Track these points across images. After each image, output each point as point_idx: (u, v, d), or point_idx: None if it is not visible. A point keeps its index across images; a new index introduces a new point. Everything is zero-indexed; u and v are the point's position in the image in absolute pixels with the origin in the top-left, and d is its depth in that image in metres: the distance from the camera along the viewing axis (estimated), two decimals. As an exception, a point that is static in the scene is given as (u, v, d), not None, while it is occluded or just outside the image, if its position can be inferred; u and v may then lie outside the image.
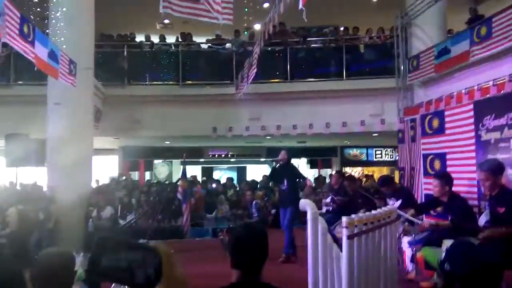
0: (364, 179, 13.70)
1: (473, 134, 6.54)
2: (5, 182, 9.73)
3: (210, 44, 10.72)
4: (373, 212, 3.19)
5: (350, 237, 2.72)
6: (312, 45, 10.55)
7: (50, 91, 7.81)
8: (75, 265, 1.80)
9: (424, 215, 5.42)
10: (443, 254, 1.44)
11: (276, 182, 7.12)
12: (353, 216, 2.86)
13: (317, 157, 16.19)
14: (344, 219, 2.78)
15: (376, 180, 8.87)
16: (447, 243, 3.53)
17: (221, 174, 16.98)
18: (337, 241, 3.64)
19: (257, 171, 16.24)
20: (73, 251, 2.18)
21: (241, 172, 17.15)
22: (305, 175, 9.89)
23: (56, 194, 7.64)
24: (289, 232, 5.86)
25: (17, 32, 4.61)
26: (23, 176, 8.75)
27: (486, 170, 3.72)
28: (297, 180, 6.76)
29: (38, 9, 10.26)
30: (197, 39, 10.99)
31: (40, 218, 7.18)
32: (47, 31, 7.85)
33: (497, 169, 3.73)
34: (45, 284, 1.66)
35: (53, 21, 7.78)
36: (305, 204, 2.85)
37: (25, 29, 4.79)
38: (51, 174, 7.86)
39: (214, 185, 10.79)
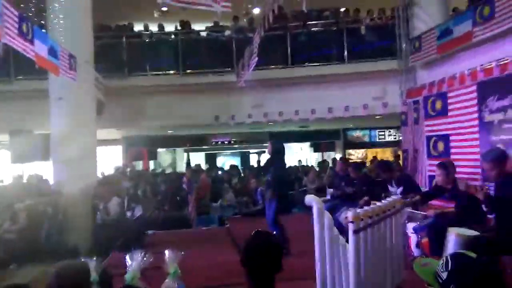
0: (368, 162, 13.71)
1: (476, 115, 6.53)
2: (12, 176, 9.81)
3: (208, 32, 10.61)
4: (378, 204, 3.22)
5: (356, 232, 2.76)
6: (312, 28, 10.42)
7: (51, 86, 7.80)
8: (90, 274, 1.84)
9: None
10: (443, 273, 1.44)
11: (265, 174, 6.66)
12: (358, 210, 2.90)
13: (320, 140, 16.20)
14: (349, 213, 2.81)
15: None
16: (452, 230, 3.58)
17: (225, 160, 17.08)
18: (343, 229, 3.70)
19: (260, 157, 16.30)
20: (86, 258, 2.24)
21: (245, 157, 17.22)
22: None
23: (63, 187, 7.73)
24: (276, 229, 5.43)
25: (16, 31, 4.59)
26: (29, 172, 8.82)
27: (490, 161, 3.74)
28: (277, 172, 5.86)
29: (35, 1, 10.18)
30: (196, 26, 10.88)
31: (49, 212, 7.29)
32: (46, 26, 7.79)
33: (501, 158, 3.74)
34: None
35: (51, 15, 7.72)
36: (311, 199, 2.89)
37: (24, 28, 4.77)
38: (56, 168, 7.92)
39: (220, 172, 10.83)
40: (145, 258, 2.62)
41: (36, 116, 8.53)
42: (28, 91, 8.99)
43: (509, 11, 6.02)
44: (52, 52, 5.69)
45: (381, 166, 6.09)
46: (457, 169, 5.12)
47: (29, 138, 8.16)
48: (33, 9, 10.06)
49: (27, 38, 4.88)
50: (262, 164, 6.40)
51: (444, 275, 1.43)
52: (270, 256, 1.73)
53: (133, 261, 2.56)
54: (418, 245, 4.37)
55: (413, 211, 4.55)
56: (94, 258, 2.46)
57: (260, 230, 1.88)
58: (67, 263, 1.78)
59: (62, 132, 7.76)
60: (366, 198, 5.55)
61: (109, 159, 13.71)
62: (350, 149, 16.00)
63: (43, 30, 6.92)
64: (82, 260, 2.03)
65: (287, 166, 12.84)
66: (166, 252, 2.78)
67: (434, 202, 6.93)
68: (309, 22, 10.33)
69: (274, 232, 5.35)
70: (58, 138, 7.82)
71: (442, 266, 1.47)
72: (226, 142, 15.81)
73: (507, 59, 5.99)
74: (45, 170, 8.44)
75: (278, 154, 5.80)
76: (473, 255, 1.44)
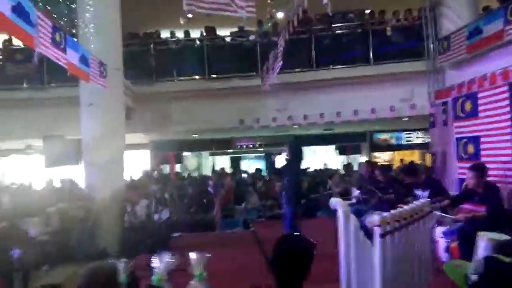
0: (395, 165, 13.45)
1: (508, 116, 6.32)
2: (44, 180, 10.18)
3: (233, 37, 10.72)
4: (406, 207, 3.17)
5: (383, 236, 2.73)
6: (337, 31, 10.36)
7: (82, 93, 8.05)
8: (119, 276, 1.90)
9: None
10: (473, 276, 1.43)
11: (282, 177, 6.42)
12: (385, 214, 2.87)
13: (346, 143, 16.00)
14: (376, 216, 2.79)
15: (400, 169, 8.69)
16: (483, 235, 3.48)
17: (249, 164, 17.12)
18: (369, 232, 3.65)
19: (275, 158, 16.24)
20: (114, 260, 2.32)
21: (270, 160, 17.18)
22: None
23: (94, 191, 7.95)
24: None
25: (49, 41, 4.78)
26: (61, 176, 9.13)
27: None
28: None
29: (66, 12, 10.58)
30: (221, 31, 11.01)
31: (80, 215, 7.51)
32: (77, 34, 8.07)
33: None
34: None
35: (82, 24, 7.99)
36: (336, 202, 2.88)
37: (57, 37, 4.96)
38: (87, 172, 8.15)
39: (244, 175, 10.89)
40: (171, 260, 2.68)
41: (67, 121, 8.83)
42: (60, 97, 9.32)
43: (542, 8, 5.81)
44: (83, 60, 5.88)
45: (405, 170, 5.97)
46: (489, 172, 4.97)
47: (62, 143, 8.44)
48: (65, 19, 10.45)
49: (60, 47, 5.07)
50: (278, 166, 6.21)
51: (475, 278, 1.41)
52: (299, 260, 1.72)
53: (160, 263, 2.62)
54: (447, 249, 4.26)
55: (443, 214, 4.43)
56: (123, 260, 2.54)
57: (289, 234, 1.88)
58: (97, 264, 1.84)
59: (93, 137, 7.99)
60: (391, 197, 5.42)
61: (137, 163, 14.01)
62: (376, 151, 15.73)
63: (75, 39, 7.17)
64: (111, 261, 2.10)
65: (311, 169, 12.88)
66: (192, 254, 2.83)
67: (464, 205, 6.78)
68: (334, 25, 10.27)
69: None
70: (89, 142, 8.06)
71: (473, 269, 1.45)
72: (250, 146, 15.87)
73: (540, 58, 5.79)
74: (77, 174, 8.70)
75: (296, 158, 5.70)
76: (507, 259, 1.41)
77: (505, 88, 6.42)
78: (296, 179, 5.74)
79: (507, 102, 6.39)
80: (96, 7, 7.87)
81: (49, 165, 8.64)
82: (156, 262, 2.69)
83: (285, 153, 5.72)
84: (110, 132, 8.03)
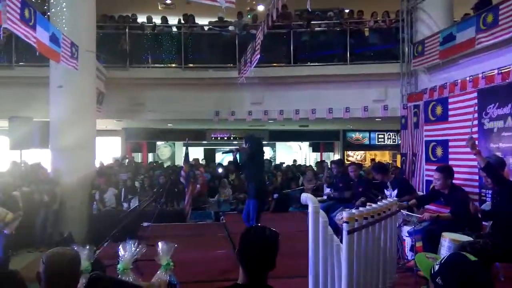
0: (365, 163, 13.74)
1: (476, 122, 6.53)
2: (9, 162, 9.79)
3: (212, 27, 10.59)
4: (374, 205, 3.23)
5: (350, 232, 2.77)
6: (316, 28, 10.41)
7: (52, 74, 7.79)
8: (80, 263, 1.84)
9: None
10: (436, 266, 1.46)
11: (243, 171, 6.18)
12: (353, 210, 2.90)
13: (319, 141, 16.21)
14: (344, 214, 2.82)
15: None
16: (446, 235, 3.59)
17: (223, 156, 17.07)
18: (338, 229, 3.71)
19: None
20: (78, 246, 2.24)
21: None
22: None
23: (60, 176, 7.72)
24: None
25: (18, 17, 4.57)
26: (27, 158, 8.80)
27: (483, 170, 3.79)
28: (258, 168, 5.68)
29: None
30: (199, 20, 10.85)
31: (45, 200, 7.29)
32: (48, 13, 7.76)
33: (500, 164, 3.76)
34: (52, 283, 1.70)
35: (54, 2, 7.69)
36: (306, 197, 2.89)
37: (26, 14, 4.75)
38: (54, 156, 7.92)
39: (220, 170, 10.83)
40: (138, 249, 2.62)
41: (36, 103, 8.50)
42: (29, 77, 8.96)
43: (513, 19, 6.01)
44: (54, 39, 5.66)
45: (376, 168, 6.09)
46: (455, 175, 5.13)
47: (28, 125, 8.13)
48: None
49: (29, 24, 4.86)
50: (238, 160, 5.93)
51: (436, 268, 1.45)
52: (264, 249, 1.73)
53: (126, 252, 2.56)
54: (412, 248, 4.37)
55: (409, 213, 4.55)
56: (88, 247, 2.47)
57: (259, 225, 1.88)
58: (56, 250, 1.78)
59: (61, 120, 7.76)
60: (363, 199, 5.56)
61: (108, 150, 13.71)
62: (349, 150, 16.03)
63: (46, 17, 6.89)
64: (73, 248, 2.03)
65: (284, 164, 12.95)
66: (159, 244, 2.78)
67: (429, 206, 6.98)
68: (313, 22, 10.31)
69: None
70: (57, 126, 7.82)
71: (440, 261, 1.49)
72: (225, 138, 15.81)
73: (509, 67, 6.00)
74: (44, 157, 8.42)
75: (259, 150, 5.56)
76: (472, 258, 1.45)
77: (475, 94, 6.63)
78: (258, 173, 5.58)
79: (475, 108, 6.61)
80: (70, -15, 7.60)
81: (14, 147, 8.30)
82: (122, 250, 2.62)
83: (245, 147, 5.49)
84: (80, 116, 7.82)
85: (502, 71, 6.12)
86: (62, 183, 7.64)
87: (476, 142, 6.34)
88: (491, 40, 6.52)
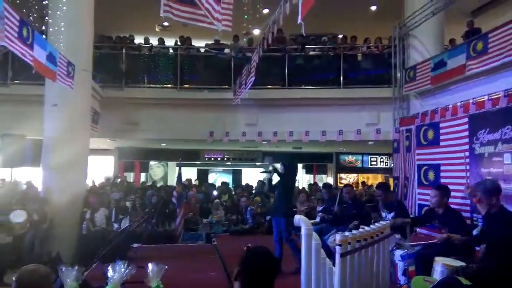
0: (359, 186, 13.76)
1: (467, 147, 6.62)
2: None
3: (208, 49, 10.73)
4: (367, 228, 3.22)
5: (343, 255, 2.75)
6: (310, 52, 10.59)
7: (47, 92, 7.79)
8: (52, 281, 1.82)
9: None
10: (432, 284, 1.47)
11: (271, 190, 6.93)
12: (346, 233, 2.90)
13: (313, 163, 16.25)
14: (337, 236, 2.81)
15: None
16: (439, 260, 3.57)
17: (217, 177, 17.01)
18: (331, 252, 3.68)
19: (252, 175, 16.27)
20: (66, 267, 2.20)
21: (237, 175, 17.18)
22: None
23: (51, 194, 7.62)
24: (290, 243, 5.56)
25: (16, 35, 4.61)
26: (18, 176, 8.72)
27: (481, 191, 3.77)
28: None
29: (37, 7, 10.25)
30: (196, 42, 11.00)
31: (34, 219, 7.16)
32: (47, 30, 7.83)
33: (492, 190, 3.77)
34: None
35: (52, 21, 7.78)
36: (299, 219, 2.88)
37: (24, 32, 4.79)
38: (46, 174, 7.83)
39: (215, 193, 10.77)
40: (127, 271, 2.58)
41: (30, 121, 8.46)
42: (23, 95, 8.95)
43: (501, 48, 6.18)
44: (51, 58, 5.69)
45: (381, 185, 6.16)
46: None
47: (21, 143, 8.07)
48: (35, 15, 10.13)
49: (27, 43, 4.89)
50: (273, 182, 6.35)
51: None
52: (266, 274, 1.72)
53: (115, 273, 2.52)
54: (404, 272, 4.34)
55: (401, 238, 4.53)
56: (76, 268, 2.42)
57: (259, 246, 1.87)
58: (29, 268, 1.76)
59: (55, 139, 7.71)
60: (356, 222, 5.55)
61: (101, 169, 13.61)
62: (342, 173, 16.07)
63: (44, 36, 6.95)
64: (60, 268, 2.00)
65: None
66: (149, 265, 2.74)
67: (421, 230, 6.97)
68: (307, 46, 10.50)
69: (276, 249, 5.69)
70: (50, 144, 7.76)
71: (433, 284, 1.50)
72: (219, 159, 15.79)
73: (499, 94, 6.12)
74: (34, 176, 8.33)
75: (293, 174, 6.06)
76: (466, 282, 1.46)
77: (465, 120, 6.75)
78: (290, 193, 6.10)
79: (466, 133, 6.71)
80: (68, 4, 7.70)
81: (6, 165, 8.22)
82: (111, 271, 2.58)
83: (281, 169, 6.02)
84: (74, 135, 7.78)
85: (492, 97, 6.25)
86: (52, 202, 7.53)
87: (468, 167, 6.47)
88: (481, 67, 6.68)
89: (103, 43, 10.43)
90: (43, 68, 5.55)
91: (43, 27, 8.92)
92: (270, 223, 9.18)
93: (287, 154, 14.21)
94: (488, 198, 3.69)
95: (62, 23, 7.73)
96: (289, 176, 5.94)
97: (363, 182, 14.87)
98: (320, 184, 12.03)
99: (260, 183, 12.43)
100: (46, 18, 8.12)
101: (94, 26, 8.42)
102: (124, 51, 10.23)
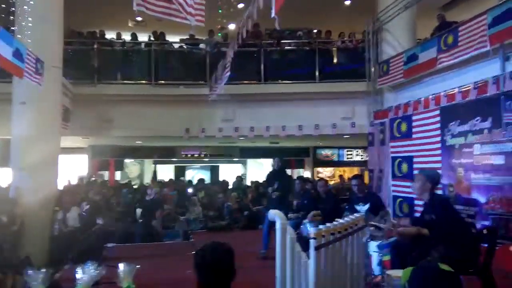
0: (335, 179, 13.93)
1: (439, 139, 6.77)
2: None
3: (183, 44, 10.60)
4: (341, 221, 3.24)
5: (317, 248, 2.76)
6: (286, 47, 10.59)
7: (15, 90, 7.52)
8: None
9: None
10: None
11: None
12: (321, 226, 2.91)
13: (290, 157, 16.31)
14: (311, 230, 2.81)
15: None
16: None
17: (194, 174, 16.88)
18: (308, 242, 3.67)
19: (230, 171, 16.22)
20: (34, 270, 2.13)
21: (214, 171, 17.10)
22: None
23: (21, 195, 7.38)
24: None
25: (-22, 30, 4.42)
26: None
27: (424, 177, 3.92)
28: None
29: (3, 2, 9.86)
30: (170, 37, 10.84)
31: (3, 221, 6.93)
32: (13, 28, 7.55)
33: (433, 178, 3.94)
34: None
35: (20, 17, 7.50)
36: (274, 215, 2.87)
37: (-12, 28, 4.60)
38: (15, 175, 7.58)
39: (190, 190, 10.66)
40: (97, 272, 2.51)
41: (-3, 120, 8.18)
42: (-11, 93, 8.61)
43: (471, 41, 6.32)
44: (17, 54, 5.48)
45: (356, 176, 6.28)
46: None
47: (-13, 143, 7.79)
48: (1, 9, 9.75)
49: (-9, 39, 4.70)
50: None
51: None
52: (220, 262, 1.71)
53: (84, 275, 2.45)
54: (379, 263, 4.40)
55: (378, 224, 4.49)
56: (44, 270, 2.34)
57: (215, 241, 1.87)
58: None
59: (24, 138, 7.45)
60: (314, 212, 5.78)
61: (74, 168, 13.28)
62: (319, 167, 16.21)
63: (10, 32, 6.69)
64: (27, 272, 1.92)
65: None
66: (120, 265, 2.68)
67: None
68: (283, 41, 10.50)
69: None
70: (19, 143, 7.50)
71: (410, 277, 1.52)
72: (196, 155, 15.66)
73: (468, 86, 6.27)
74: (3, 176, 8.05)
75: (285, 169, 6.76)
76: (447, 268, 1.48)
77: (437, 112, 6.89)
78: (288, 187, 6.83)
79: (438, 125, 6.86)
80: (36, -1, 7.43)
81: (-28, 166, 7.93)
82: (80, 273, 2.50)
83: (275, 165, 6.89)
84: (44, 133, 7.54)
85: (462, 89, 6.40)
86: (22, 203, 7.30)
87: (440, 158, 6.61)
88: (452, 60, 6.82)
89: (74, 38, 10.14)
90: (9, 64, 5.34)
91: (10, 22, 8.61)
92: (247, 218, 9.29)
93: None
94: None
95: (30, 18, 7.45)
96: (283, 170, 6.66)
97: (340, 176, 15.05)
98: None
99: (238, 178, 12.44)
100: (13, 9, 7.82)
101: (65, 21, 8.16)
102: (95, 46, 9.98)
